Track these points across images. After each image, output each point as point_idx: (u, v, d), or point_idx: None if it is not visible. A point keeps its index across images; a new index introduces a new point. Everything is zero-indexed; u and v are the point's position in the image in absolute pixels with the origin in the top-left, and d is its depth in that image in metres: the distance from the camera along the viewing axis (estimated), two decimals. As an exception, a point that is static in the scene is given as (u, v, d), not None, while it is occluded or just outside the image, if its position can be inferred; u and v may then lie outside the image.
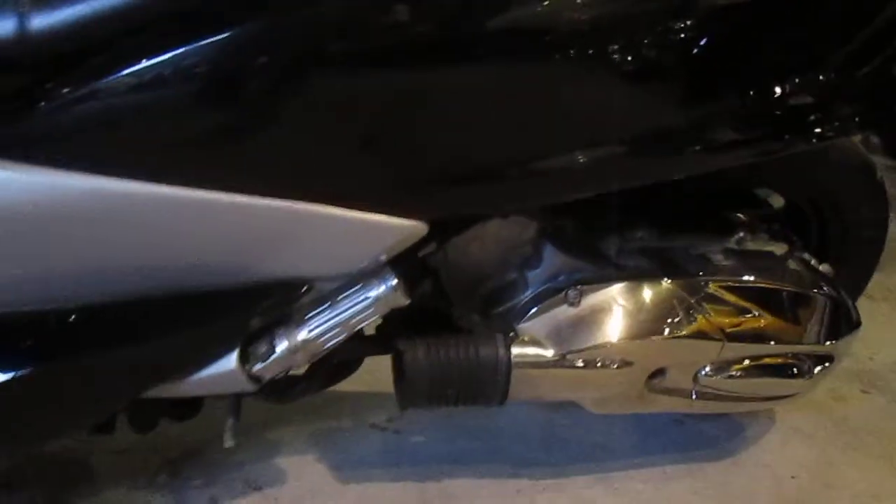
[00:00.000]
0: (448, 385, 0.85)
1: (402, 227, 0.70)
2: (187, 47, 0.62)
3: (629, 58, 0.68)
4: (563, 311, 0.87)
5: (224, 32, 0.62)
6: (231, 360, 0.73)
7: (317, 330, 0.74)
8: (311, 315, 0.75)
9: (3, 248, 0.64)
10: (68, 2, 0.62)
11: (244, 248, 0.68)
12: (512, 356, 0.86)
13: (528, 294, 0.89)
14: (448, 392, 0.85)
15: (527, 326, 0.87)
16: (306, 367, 0.81)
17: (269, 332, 0.75)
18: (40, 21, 0.61)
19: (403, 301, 0.76)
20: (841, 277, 1.03)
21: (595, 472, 1.05)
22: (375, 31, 0.64)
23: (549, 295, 0.88)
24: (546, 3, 0.66)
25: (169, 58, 0.61)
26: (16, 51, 0.61)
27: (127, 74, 0.62)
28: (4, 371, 0.67)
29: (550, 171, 0.73)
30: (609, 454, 1.09)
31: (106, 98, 0.62)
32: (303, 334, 0.74)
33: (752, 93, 0.74)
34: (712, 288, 0.91)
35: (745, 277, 0.93)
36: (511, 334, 0.86)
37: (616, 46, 0.68)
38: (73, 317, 0.68)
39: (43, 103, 0.61)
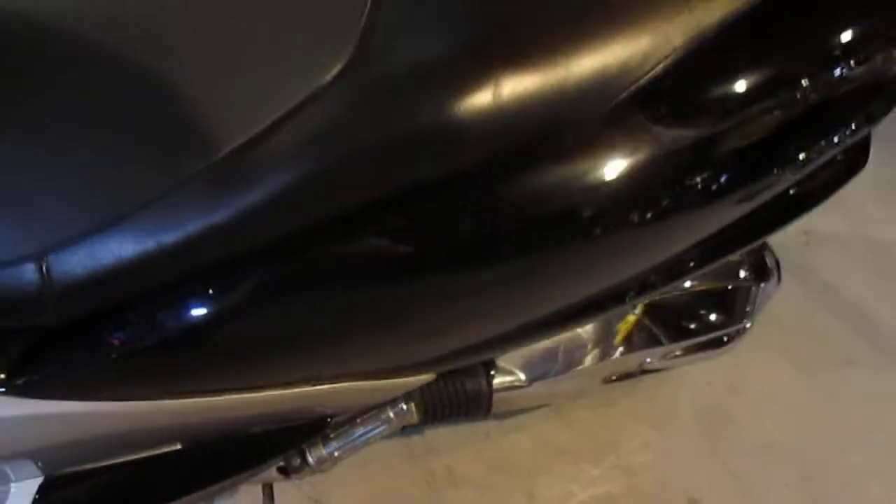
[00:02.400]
0: (441, 411, 1.00)
1: (415, 381, 0.79)
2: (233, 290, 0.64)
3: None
4: (537, 346, 1.00)
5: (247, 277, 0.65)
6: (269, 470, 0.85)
7: (343, 447, 0.86)
8: (337, 434, 0.86)
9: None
10: (92, 250, 0.61)
11: (280, 415, 0.77)
12: (493, 385, 1.00)
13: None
14: (441, 415, 1.01)
15: (506, 358, 1.00)
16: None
17: (300, 449, 0.86)
18: (63, 267, 0.61)
19: (416, 419, 0.88)
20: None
21: (552, 408, 1.26)
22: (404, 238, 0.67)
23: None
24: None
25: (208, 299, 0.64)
26: (37, 298, 0.62)
27: (165, 316, 0.65)
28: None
29: (538, 330, 0.81)
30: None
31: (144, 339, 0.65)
32: (330, 448, 0.86)
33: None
34: (659, 300, 1.05)
35: (687, 284, 1.06)
36: (492, 370, 0.99)
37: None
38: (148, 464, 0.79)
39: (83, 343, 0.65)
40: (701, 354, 1.14)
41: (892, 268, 1.55)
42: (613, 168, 0.66)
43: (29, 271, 0.60)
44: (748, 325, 1.15)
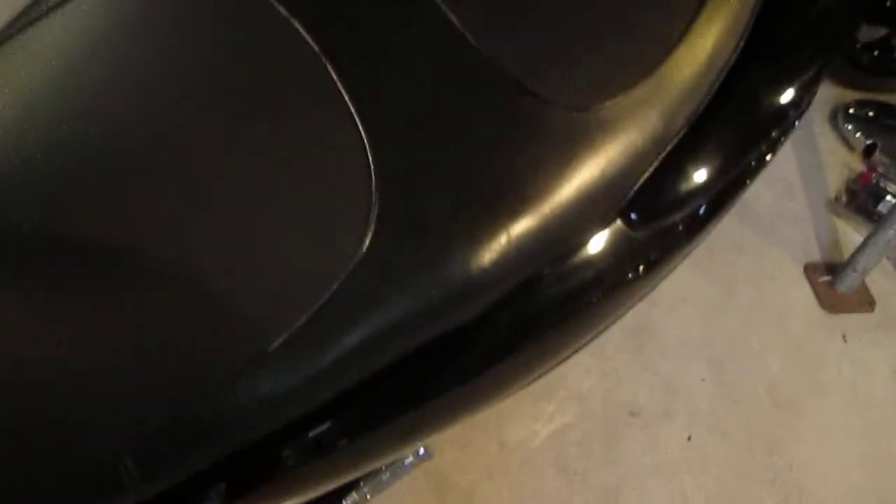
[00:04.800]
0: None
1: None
2: None
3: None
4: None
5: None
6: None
7: (374, 490, 0.96)
8: (367, 480, 0.96)
9: None
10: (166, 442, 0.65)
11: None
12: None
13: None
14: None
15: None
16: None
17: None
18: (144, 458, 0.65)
19: (430, 458, 0.98)
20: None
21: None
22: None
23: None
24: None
25: None
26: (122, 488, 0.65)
27: None
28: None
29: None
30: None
31: None
32: (363, 492, 0.96)
33: None
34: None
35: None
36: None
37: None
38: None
39: None
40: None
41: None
42: (613, 265, 0.75)
43: (111, 466, 0.64)
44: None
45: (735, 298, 1.55)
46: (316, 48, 0.69)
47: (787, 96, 0.81)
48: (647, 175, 0.73)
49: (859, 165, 1.75)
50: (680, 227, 0.80)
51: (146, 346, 0.66)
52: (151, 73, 0.69)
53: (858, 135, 1.80)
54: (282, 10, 0.70)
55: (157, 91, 0.69)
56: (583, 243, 0.74)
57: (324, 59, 0.69)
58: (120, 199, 0.67)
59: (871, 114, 1.82)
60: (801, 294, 1.57)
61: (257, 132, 0.69)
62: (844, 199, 1.70)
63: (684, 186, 0.78)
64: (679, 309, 1.51)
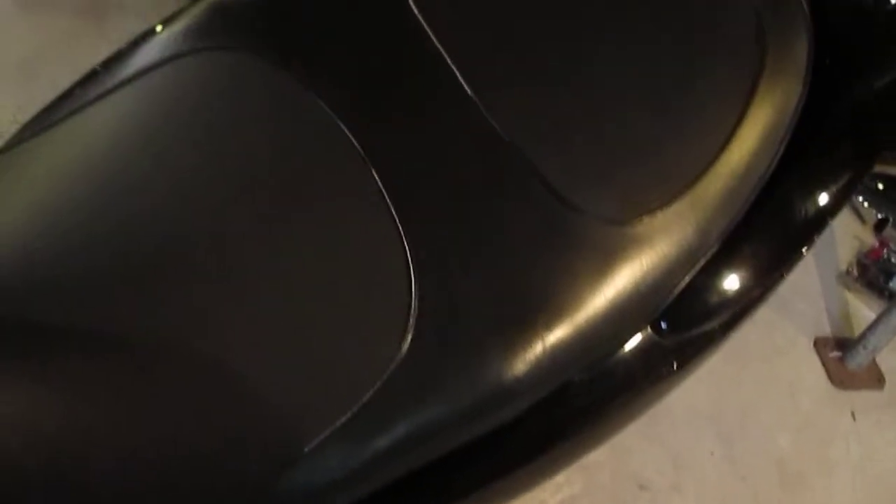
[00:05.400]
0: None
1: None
2: None
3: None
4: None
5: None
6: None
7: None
8: None
9: None
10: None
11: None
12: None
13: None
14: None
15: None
16: None
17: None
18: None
19: None
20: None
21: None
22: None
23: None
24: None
25: None
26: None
27: None
28: None
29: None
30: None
31: None
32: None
33: None
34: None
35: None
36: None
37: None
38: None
39: None
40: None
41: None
42: (642, 371, 0.75)
43: None
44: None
45: (745, 372, 1.55)
46: (360, 151, 0.69)
47: (824, 202, 0.82)
48: (679, 288, 0.74)
49: (870, 238, 1.76)
50: (710, 331, 0.81)
51: (181, 446, 0.66)
52: (195, 168, 0.70)
53: (868, 206, 1.81)
54: (328, 109, 0.71)
55: (201, 187, 0.69)
56: (613, 351, 0.74)
57: (368, 163, 0.69)
58: (157, 295, 0.66)
59: (880, 187, 1.83)
60: (811, 369, 1.57)
61: (298, 232, 0.69)
62: (855, 272, 1.71)
63: (716, 299, 0.78)
64: (689, 382, 1.51)
